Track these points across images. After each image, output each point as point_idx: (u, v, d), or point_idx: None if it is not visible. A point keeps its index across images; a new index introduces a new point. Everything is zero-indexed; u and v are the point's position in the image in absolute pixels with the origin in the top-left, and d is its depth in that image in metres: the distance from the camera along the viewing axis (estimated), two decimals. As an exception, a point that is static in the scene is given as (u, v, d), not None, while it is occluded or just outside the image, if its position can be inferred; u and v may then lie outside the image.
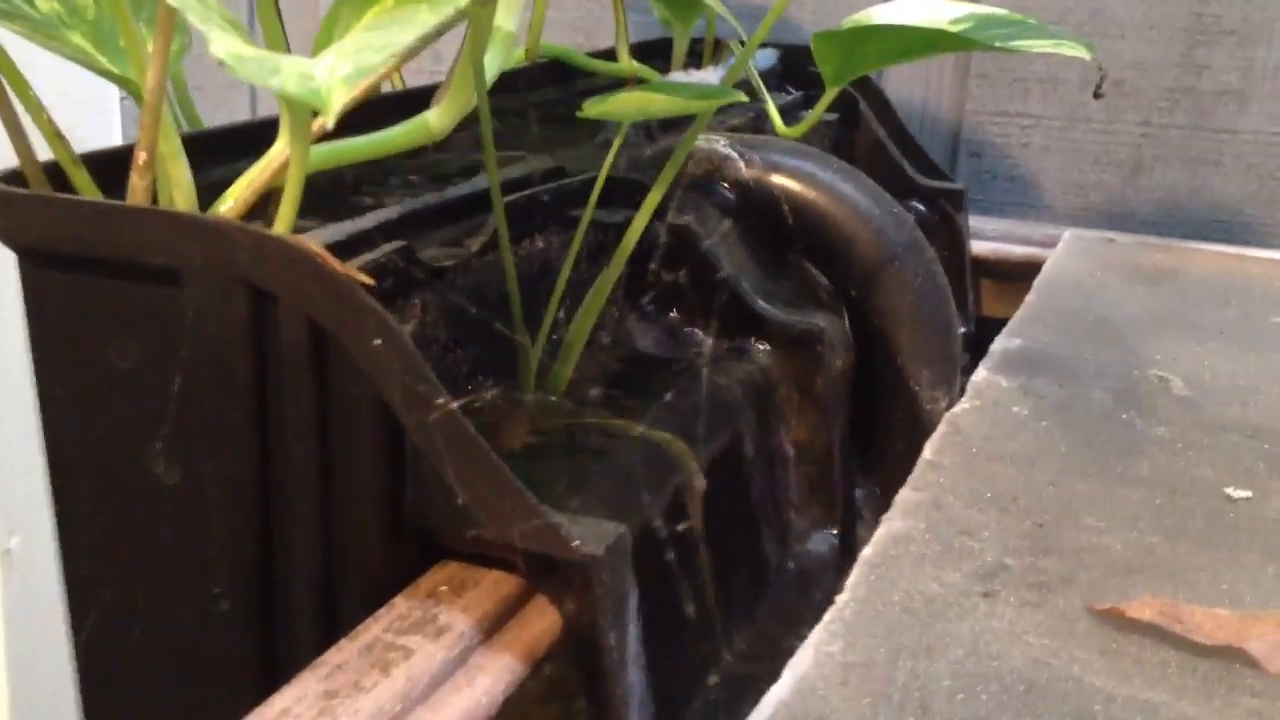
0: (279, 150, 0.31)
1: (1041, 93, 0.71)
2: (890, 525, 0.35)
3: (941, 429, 0.41)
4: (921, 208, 0.61)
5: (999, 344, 0.49)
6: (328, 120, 0.20)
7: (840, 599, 0.31)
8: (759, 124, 0.55)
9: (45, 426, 0.30)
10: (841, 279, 0.43)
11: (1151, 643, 0.30)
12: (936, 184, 0.62)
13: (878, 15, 0.49)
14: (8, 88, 0.30)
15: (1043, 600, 0.32)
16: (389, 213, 0.34)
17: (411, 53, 0.23)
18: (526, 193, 0.38)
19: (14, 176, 0.30)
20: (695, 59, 0.61)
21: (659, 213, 0.40)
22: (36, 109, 0.30)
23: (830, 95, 0.47)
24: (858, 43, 0.48)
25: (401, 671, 0.25)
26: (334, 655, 0.26)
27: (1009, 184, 0.73)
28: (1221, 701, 0.28)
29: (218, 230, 0.26)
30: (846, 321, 0.43)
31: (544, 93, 0.53)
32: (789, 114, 0.60)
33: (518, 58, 0.52)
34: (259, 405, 0.27)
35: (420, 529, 0.28)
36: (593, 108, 0.32)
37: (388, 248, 0.32)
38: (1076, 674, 0.29)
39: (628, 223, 0.37)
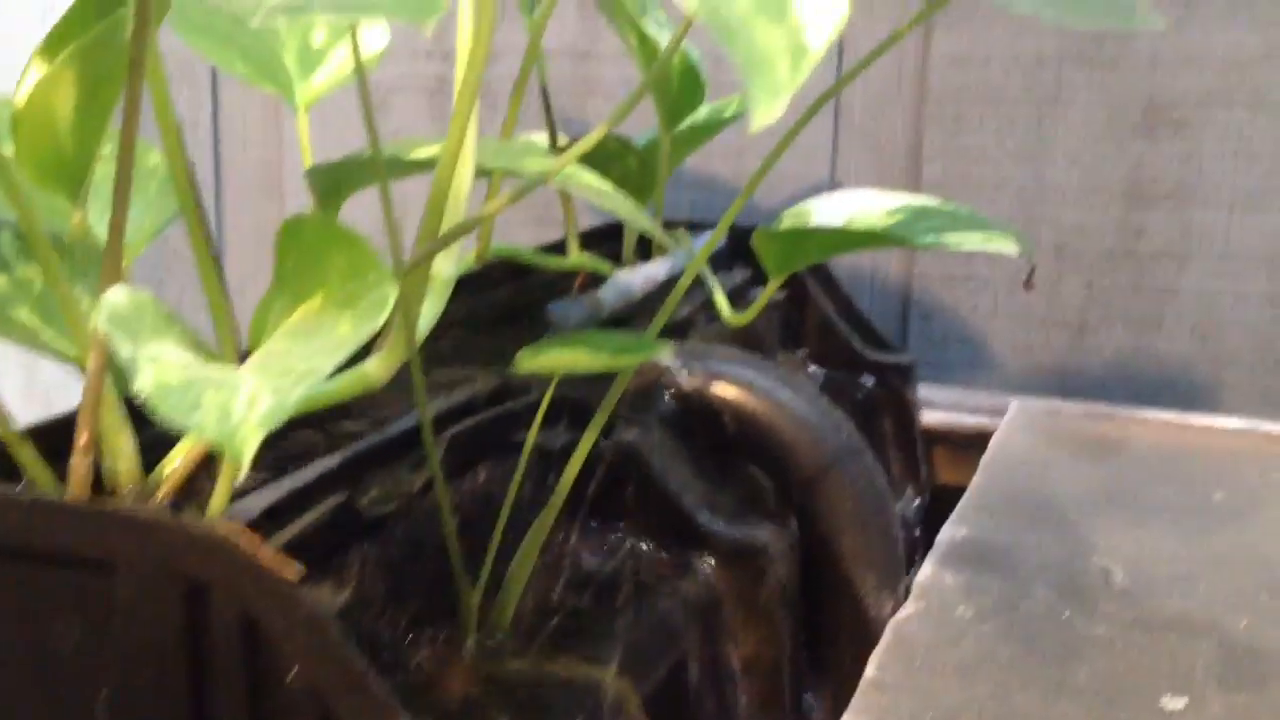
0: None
1: (986, 257, 0.73)
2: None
3: (886, 638, 0.41)
4: (869, 384, 0.62)
5: (945, 533, 0.50)
6: (241, 466, 0.21)
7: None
8: (708, 308, 0.56)
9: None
10: (784, 485, 0.44)
11: None
12: (885, 358, 0.63)
13: (816, 212, 0.51)
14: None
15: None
16: (330, 461, 0.35)
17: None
18: (469, 422, 0.39)
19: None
20: (645, 245, 0.63)
21: (604, 430, 0.41)
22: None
23: (773, 285, 0.48)
24: (797, 240, 0.49)
25: None
26: None
27: (960, 345, 0.74)
28: None
29: (147, 525, 0.27)
30: (795, 526, 0.44)
31: (497, 293, 0.54)
32: (738, 295, 0.62)
33: (467, 262, 0.54)
34: (194, 695, 0.27)
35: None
36: (525, 362, 0.33)
37: (328, 504, 0.33)
38: None
39: (572, 444, 0.37)
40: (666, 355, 0.40)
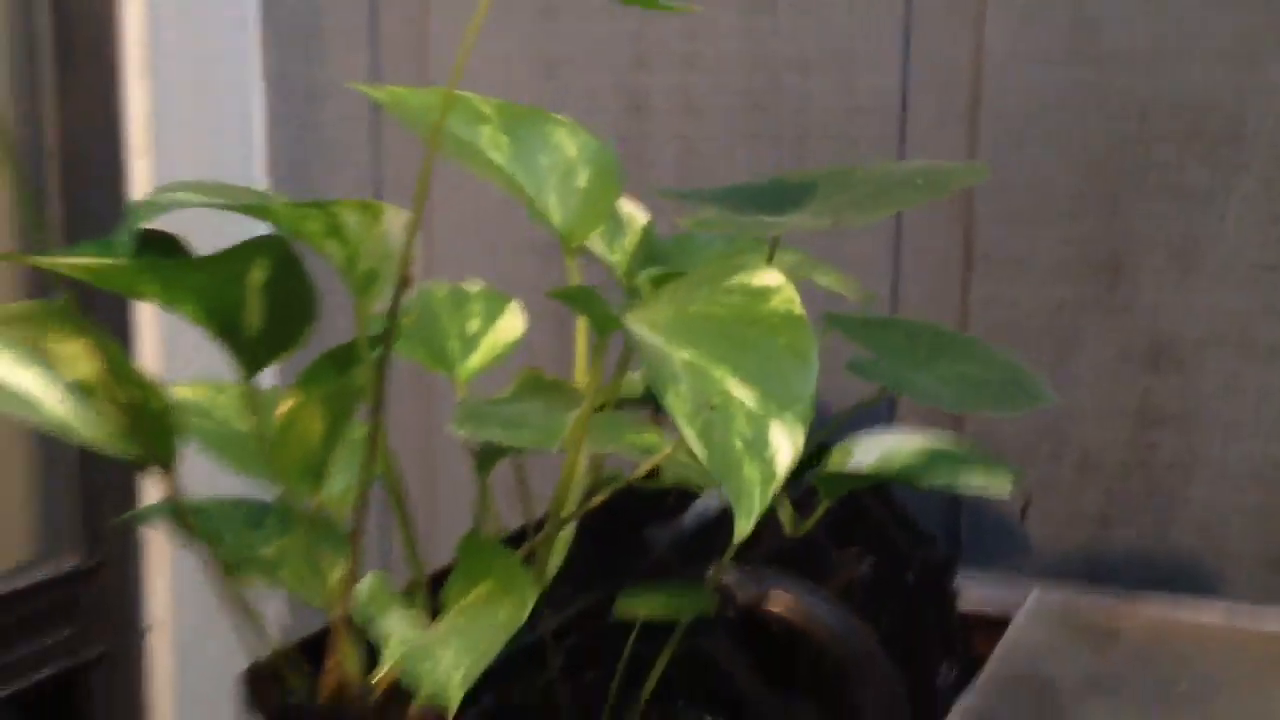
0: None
1: (1021, 463, 0.87)
2: None
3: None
4: (911, 578, 0.76)
5: (958, 704, 0.63)
6: (450, 704, 0.37)
7: None
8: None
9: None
10: (816, 677, 0.59)
11: None
12: (927, 553, 0.77)
13: (857, 449, 0.66)
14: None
15: None
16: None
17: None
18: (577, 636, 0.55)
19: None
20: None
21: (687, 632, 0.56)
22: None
23: (822, 508, 0.64)
24: (838, 479, 0.65)
25: None
26: None
27: (1000, 535, 0.88)
28: None
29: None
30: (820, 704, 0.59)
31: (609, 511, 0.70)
32: (804, 502, 0.77)
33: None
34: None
35: None
36: (621, 607, 0.49)
37: (485, 702, 0.48)
38: None
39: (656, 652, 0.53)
40: (726, 576, 0.56)
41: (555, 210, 0.54)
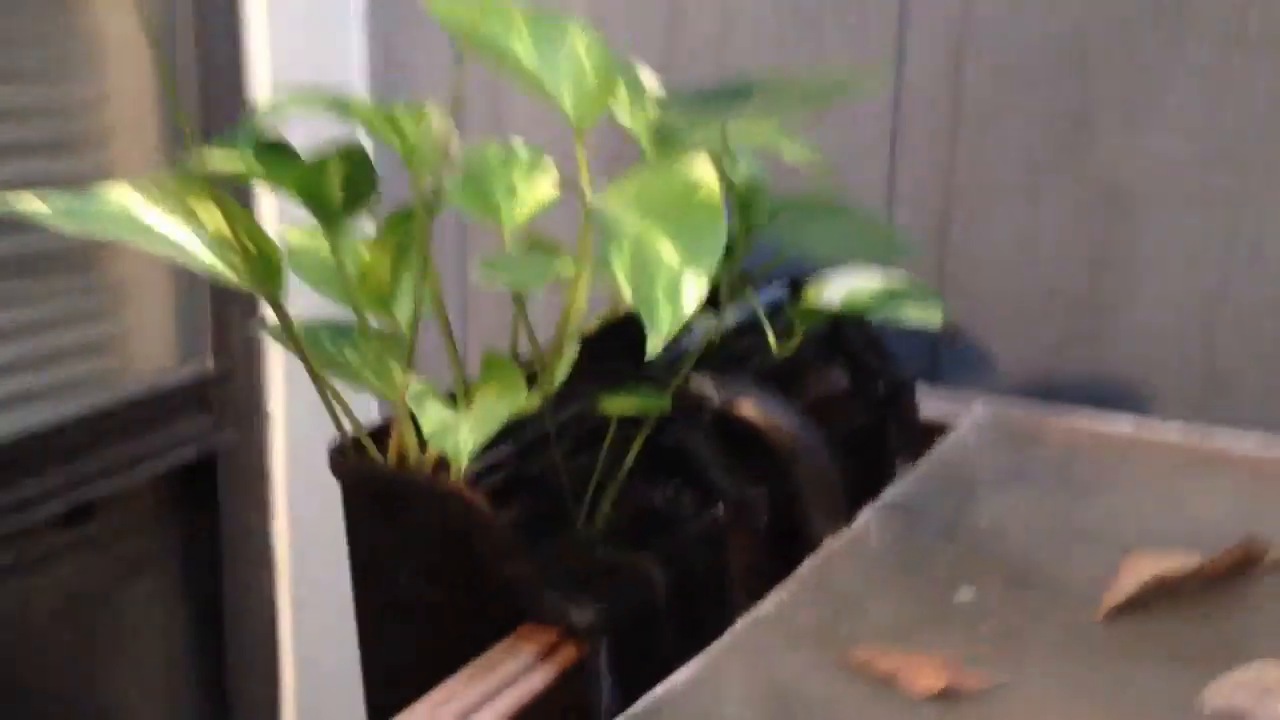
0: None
1: (995, 299, 1.02)
2: (764, 605, 0.67)
3: (818, 553, 0.73)
4: (880, 391, 0.93)
5: (885, 493, 0.80)
6: (458, 466, 0.55)
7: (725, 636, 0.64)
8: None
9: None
10: (770, 464, 0.76)
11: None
12: (892, 372, 0.94)
13: (828, 290, 0.83)
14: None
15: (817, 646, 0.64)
16: (505, 449, 0.69)
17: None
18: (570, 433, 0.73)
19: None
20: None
21: (666, 426, 0.74)
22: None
23: (800, 333, 0.81)
24: (812, 311, 0.81)
25: (499, 672, 0.60)
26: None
27: (975, 361, 1.04)
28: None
29: (427, 483, 0.62)
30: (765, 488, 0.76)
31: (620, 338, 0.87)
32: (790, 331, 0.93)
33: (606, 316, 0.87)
34: (458, 575, 0.62)
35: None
36: (604, 405, 0.67)
37: (504, 470, 0.67)
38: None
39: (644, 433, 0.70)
40: (705, 387, 0.73)
41: (568, 102, 0.70)
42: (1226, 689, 0.61)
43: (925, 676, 0.61)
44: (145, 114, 1.11)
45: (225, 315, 1.14)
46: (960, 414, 0.95)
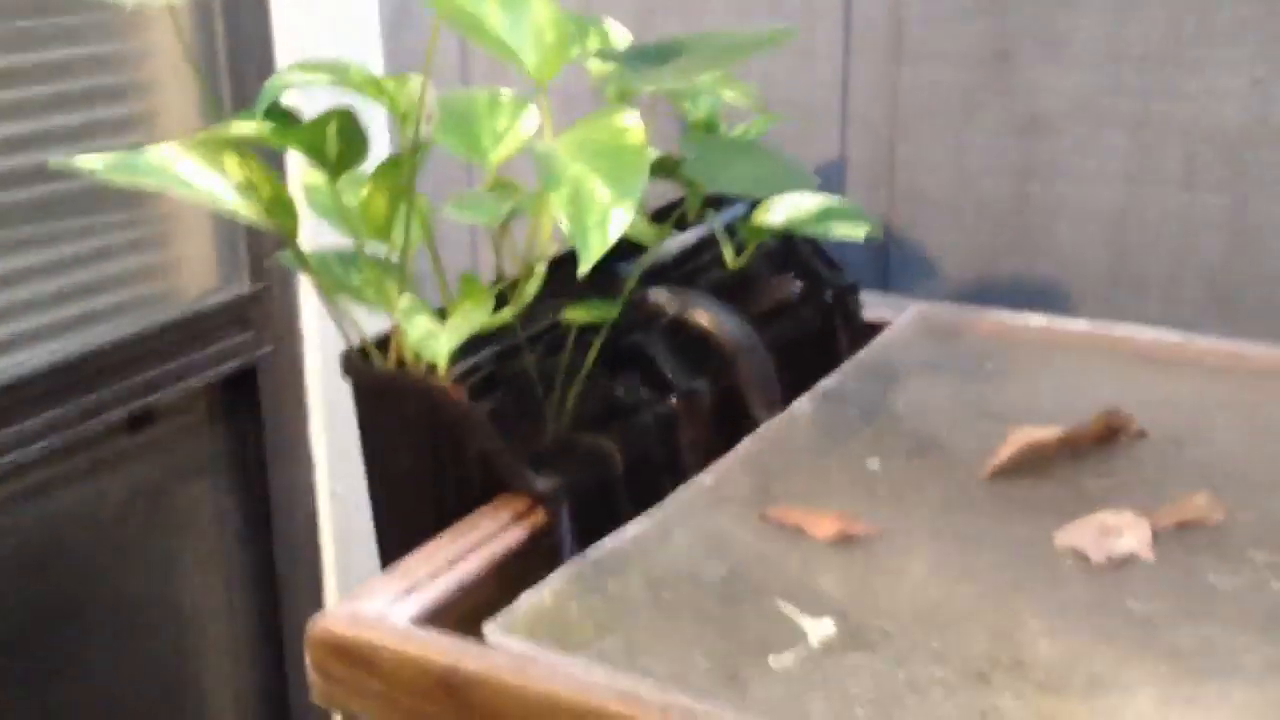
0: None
1: (938, 211, 1.15)
2: (701, 476, 0.82)
3: (756, 432, 0.87)
4: (829, 296, 1.06)
5: (820, 382, 0.94)
6: (439, 363, 0.70)
7: (667, 499, 0.79)
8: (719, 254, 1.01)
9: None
10: (717, 362, 0.90)
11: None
12: (840, 280, 1.07)
13: (774, 210, 0.96)
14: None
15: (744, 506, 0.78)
16: (488, 354, 0.83)
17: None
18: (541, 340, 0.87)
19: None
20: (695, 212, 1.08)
21: (627, 332, 0.88)
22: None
23: (751, 247, 0.94)
24: (756, 228, 0.94)
25: (480, 530, 0.75)
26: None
27: (921, 268, 1.17)
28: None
29: (419, 381, 0.76)
30: (712, 382, 0.90)
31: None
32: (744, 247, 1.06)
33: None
34: (434, 460, 0.77)
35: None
36: (568, 314, 0.81)
37: (486, 367, 0.81)
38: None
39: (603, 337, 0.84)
40: (661, 296, 0.87)
41: (529, 60, 0.83)
42: (1073, 532, 0.75)
43: (824, 526, 0.76)
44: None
45: (259, 243, 1.29)
46: (890, 316, 1.08)
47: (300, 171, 0.89)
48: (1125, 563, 0.72)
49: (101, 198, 1.18)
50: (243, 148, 0.76)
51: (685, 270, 1.01)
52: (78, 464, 1.20)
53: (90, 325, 1.19)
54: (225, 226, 1.29)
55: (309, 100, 0.79)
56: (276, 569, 1.36)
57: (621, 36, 0.99)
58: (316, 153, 0.74)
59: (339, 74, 0.75)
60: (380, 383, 0.80)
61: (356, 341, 0.82)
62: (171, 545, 1.31)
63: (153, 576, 1.30)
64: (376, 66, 1.37)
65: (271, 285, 1.31)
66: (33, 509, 1.18)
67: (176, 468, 1.30)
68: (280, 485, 1.35)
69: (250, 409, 1.32)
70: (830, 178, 1.20)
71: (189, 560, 1.32)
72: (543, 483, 0.76)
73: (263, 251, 1.29)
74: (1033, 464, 0.82)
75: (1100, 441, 0.85)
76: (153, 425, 1.25)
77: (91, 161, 0.74)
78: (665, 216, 1.07)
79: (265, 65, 1.25)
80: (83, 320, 1.19)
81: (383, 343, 0.83)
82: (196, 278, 1.29)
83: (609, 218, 0.68)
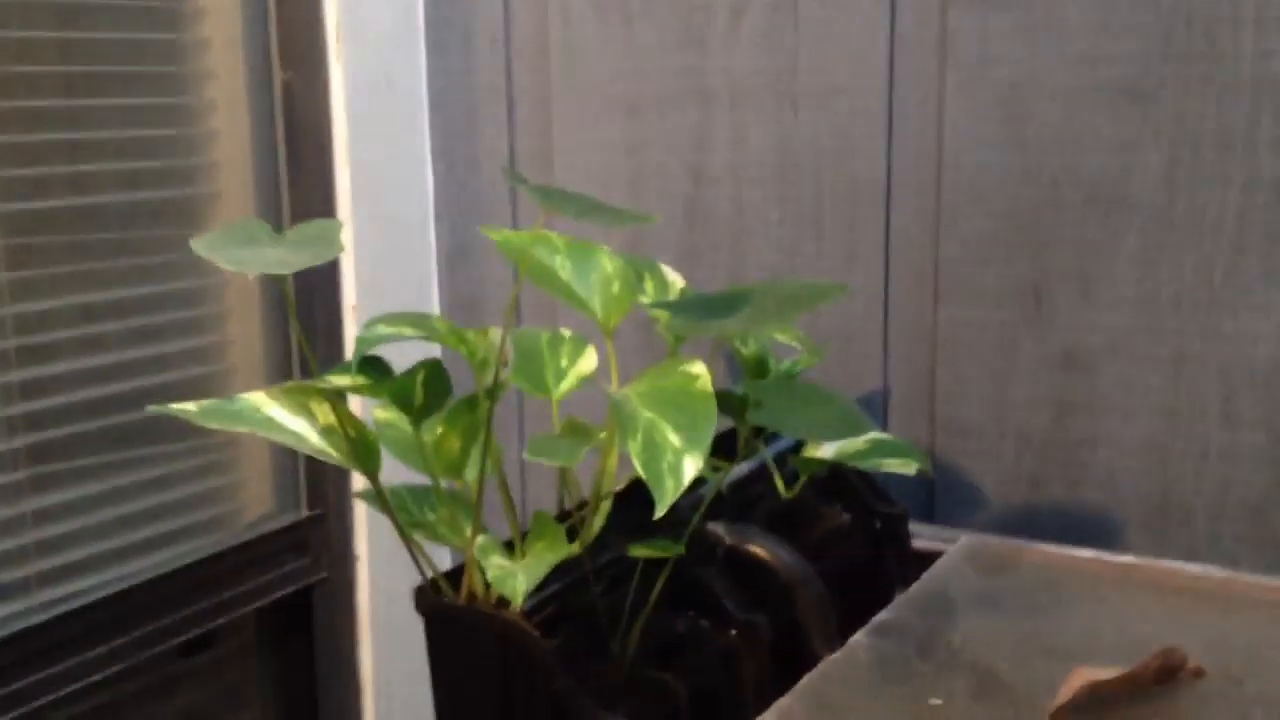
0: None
1: (978, 442, 1.18)
2: (766, 716, 0.83)
3: (816, 669, 0.88)
4: (879, 525, 1.09)
5: (877, 616, 0.95)
6: (515, 603, 0.72)
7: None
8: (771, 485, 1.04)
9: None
10: (775, 594, 0.93)
11: None
12: (889, 509, 1.10)
13: (826, 446, 0.99)
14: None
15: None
16: (553, 589, 0.85)
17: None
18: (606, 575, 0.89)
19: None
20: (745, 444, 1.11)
21: (687, 565, 0.90)
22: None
23: (803, 479, 0.97)
24: (809, 459, 0.97)
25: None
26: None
27: (965, 499, 1.19)
28: None
29: (492, 615, 0.79)
30: (771, 614, 0.92)
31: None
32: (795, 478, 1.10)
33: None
34: (504, 695, 0.79)
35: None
36: (632, 550, 0.83)
37: (551, 606, 0.83)
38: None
39: (666, 573, 0.87)
40: (718, 530, 0.90)
41: (597, 308, 0.88)
42: (1139, 777, 0.76)
43: (892, 770, 0.77)
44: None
45: (317, 469, 1.33)
46: (944, 545, 1.11)
47: (371, 408, 0.93)
48: (1194, 807, 0.72)
49: (162, 426, 1.22)
50: (330, 394, 0.80)
51: (738, 500, 1.04)
52: (132, 691, 1.21)
53: (152, 552, 1.22)
54: (283, 454, 1.33)
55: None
56: (323, 799, 1.35)
57: (674, 280, 1.04)
58: (404, 403, 0.78)
59: (424, 327, 0.80)
60: (453, 617, 0.83)
61: (427, 574, 0.85)
62: (219, 771, 1.31)
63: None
64: (432, 297, 1.44)
65: (328, 511, 1.34)
66: (87, 735, 1.19)
67: (228, 692, 1.31)
68: (330, 709, 1.35)
69: (303, 633, 1.33)
70: (872, 405, 1.23)
71: (235, 787, 1.32)
72: (613, 721, 0.78)
73: (321, 478, 1.33)
74: (1095, 704, 0.83)
75: (1159, 681, 0.86)
76: (207, 650, 1.26)
77: (187, 408, 0.78)
78: (718, 448, 1.10)
79: (333, 304, 1.32)
80: (144, 546, 1.22)
81: (451, 575, 0.86)
82: (255, 503, 1.32)
83: (681, 465, 0.71)
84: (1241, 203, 1.05)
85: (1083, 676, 0.85)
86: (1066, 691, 0.84)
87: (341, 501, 1.34)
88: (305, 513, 1.33)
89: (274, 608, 1.31)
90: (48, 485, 1.14)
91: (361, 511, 1.36)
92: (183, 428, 1.24)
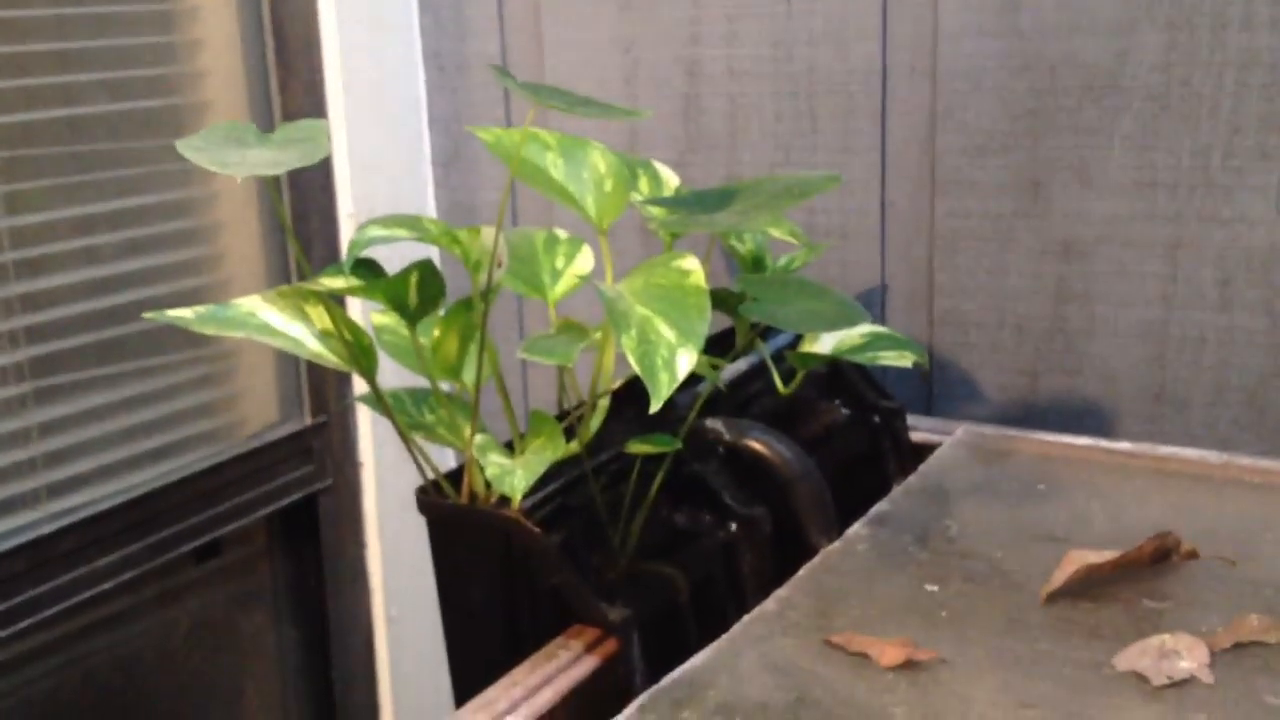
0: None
1: (978, 332, 1.18)
2: (765, 603, 0.84)
3: (814, 559, 0.89)
4: (877, 419, 1.09)
5: (875, 507, 0.96)
6: (515, 501, 0.73)
7: (734, 627, 0.81)
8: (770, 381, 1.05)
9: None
10: (774, 488, 0.93)
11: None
12: (887, 404, 1.10)
13: (822, 337, 0.99)
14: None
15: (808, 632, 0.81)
16: (554, 486, 0.86)
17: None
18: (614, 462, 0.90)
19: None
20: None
21: (687, 461, 0.91)
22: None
23: (800, 375, 0.98)
24: (805, 355, 0.98)
25: (554, 660, 0.78)
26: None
27: (963, 391, 1.20)
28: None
29: (492, 513, 0.80)
30: (770, 508, 0.93)
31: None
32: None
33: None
34: (506, 586, 0.80)
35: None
36: (630, 446, 0.84)
37: (554, 502, 0.84)
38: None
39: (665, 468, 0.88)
40: (717, 426, 0.90)
41: (591, 207, 0.88)
42: (1132, 655, 0.77)
43: (889, 653, 0.78)
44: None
45: (320, 377, 1.33)
46: (936, 438, 1.11)
47: (369, 312, 0.94)
48: (1185, 684, 0.73)
49: (164, 337, 1.23)
50: (324, 296, 0.80)
51: (738, 398, 1.04)
52: (145, 597, 1.23)
53: (158, 461, 1.23)
54: (285, 362, 1.33)
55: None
56: (334, 695, 1.37)
57: (669, 178, 1.04)
58: (399, 303, 0.78)
59: (417, 228, 0.80)
60: (454, 517, 0.84)
61: (429, 475, 0.85)
62: (235, 673, 1.33)
63: (216, 704, 1.32)
64: (428, 202, 1.43)
65: (331, 419, 1.35)
66: (102, 641, 1.21)
67: (240, 597, 1.33)
68: (339, 612, 1.37)
69: (310, 539, 1.35)
70: (870, 301, 1.23)
71: (250, 687, 1.35)
72: (615, 613, 0.79)
73: (323, 386, 1.34)
74: (1089, 587, 0.84)
75: (1153, 563, 0.87)
76: (217, 557, 1.28)
77: (183, 314, 0.79)
78: (717, 346, 1.11)
79: (329, 212, 1.31)
80: (150, 456, 1.23)
81: (453, 476, 0.86)
82: (258, 412, 1.33)
83: (676, 359, 0.72)
84: (1238, 84, 1.04)
85: (1076, 560, 0.86)
86: (1060, 575, 0.85)
87: (344, 409, 1.35)
88: (309, 421, 1.34)
89: (281, 514, 1.32)
90: (52, 397, 1.15)
91: (365, 418, 1.37)
92: (184, 338, 1.25)
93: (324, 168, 1.31)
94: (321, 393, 1.34)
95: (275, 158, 0.69)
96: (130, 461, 1.21)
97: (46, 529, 1.11)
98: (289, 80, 1.29)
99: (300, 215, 1.30)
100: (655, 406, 0.70)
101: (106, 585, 1.14)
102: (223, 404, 1.30)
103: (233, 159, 0.68)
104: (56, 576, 1.11)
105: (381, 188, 1.37)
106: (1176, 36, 1.05)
